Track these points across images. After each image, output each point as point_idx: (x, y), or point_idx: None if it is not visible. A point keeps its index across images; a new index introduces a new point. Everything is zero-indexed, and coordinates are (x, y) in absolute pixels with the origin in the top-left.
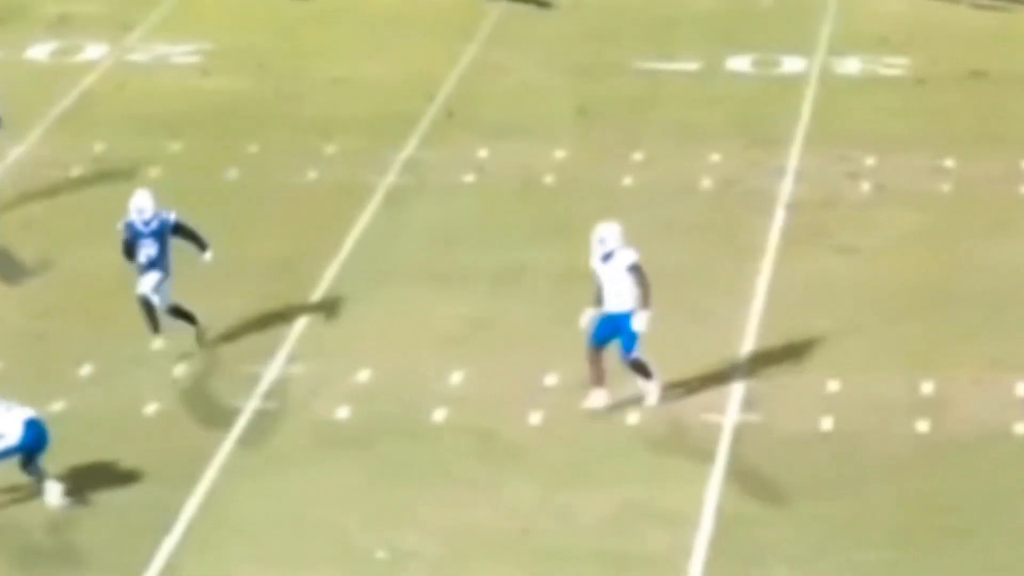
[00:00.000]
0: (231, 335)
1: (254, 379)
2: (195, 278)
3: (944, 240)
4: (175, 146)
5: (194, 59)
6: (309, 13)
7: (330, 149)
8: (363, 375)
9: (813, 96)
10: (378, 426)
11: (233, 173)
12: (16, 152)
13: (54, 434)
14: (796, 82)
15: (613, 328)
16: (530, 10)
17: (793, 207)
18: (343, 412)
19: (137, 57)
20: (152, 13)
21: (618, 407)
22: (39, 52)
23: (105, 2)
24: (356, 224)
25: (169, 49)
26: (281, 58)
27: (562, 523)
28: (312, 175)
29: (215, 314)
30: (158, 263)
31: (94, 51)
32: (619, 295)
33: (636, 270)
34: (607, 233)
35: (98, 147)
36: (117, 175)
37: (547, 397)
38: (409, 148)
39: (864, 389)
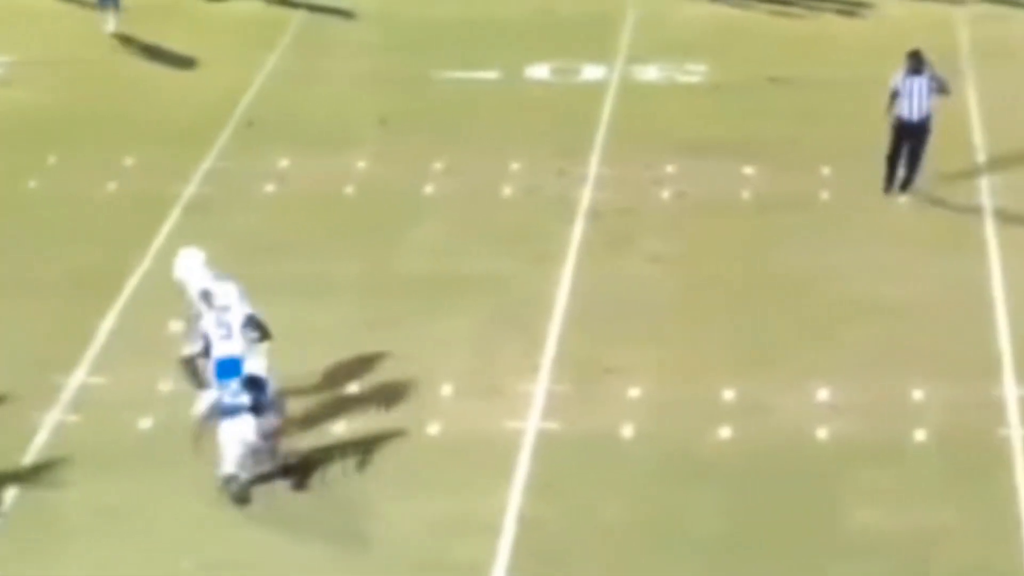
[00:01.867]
0: (32, 346)
1: (56, 389)
2: None
3: (746, 247)
4: None
5: None
6: None
7: (129, 161)
8: (165, 385)
9: (613, 103)
10: (180, 436)
11: (33, 184)
12: None
13: None
14: (596, 89)
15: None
16: (332, 20)
17: (595, 215)
18: (146, 423)
19: None
20: None
21: (419, 418)
22: None
23: None
24: (157, 235)
25: None
26: (81, 70)
27: (369, 536)
28: (112, 187)
29: (15, 324)
30: None
31: None
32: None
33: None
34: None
35: None
36: None
37: (350, 408)
38: (209, 159)
39: (665, 396)
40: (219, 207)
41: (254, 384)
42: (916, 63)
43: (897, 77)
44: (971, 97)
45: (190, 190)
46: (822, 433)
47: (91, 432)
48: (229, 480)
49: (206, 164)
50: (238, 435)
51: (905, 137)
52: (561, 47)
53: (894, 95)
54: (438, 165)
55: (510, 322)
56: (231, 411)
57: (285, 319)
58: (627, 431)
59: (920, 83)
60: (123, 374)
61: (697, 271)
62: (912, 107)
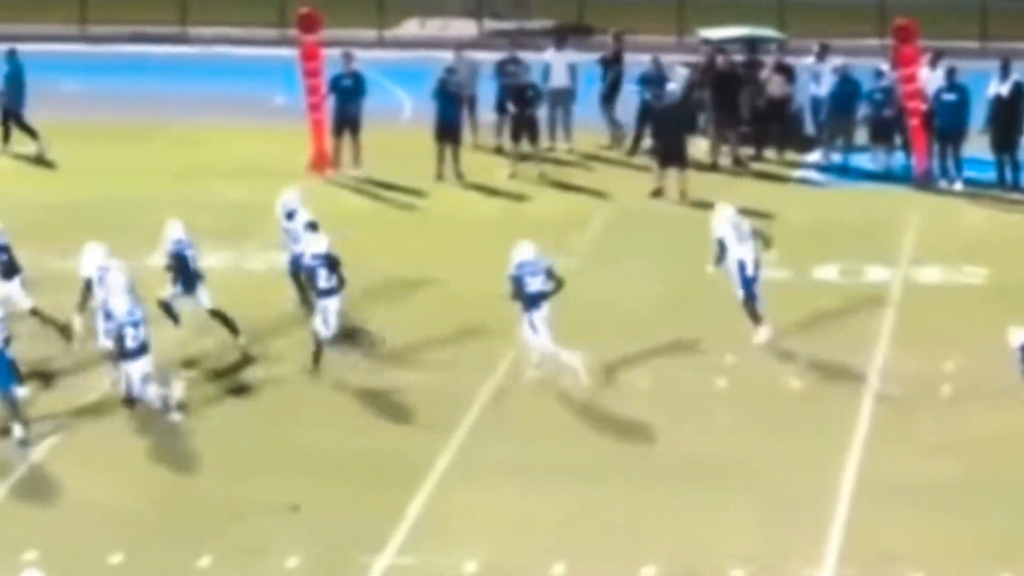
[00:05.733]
0: (338, 526)
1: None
2: None
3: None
4: None
5: None
6: None
7: None
8: (470, 566)
9: (896, 302)
10: None
11: None
12: None
13: None
14: (880, 289)
15: None
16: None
17: (881, 402)
18: None
19: None
20: None
21: None
22: None
23: None
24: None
25: None
26: None
27: None
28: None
29: (321, 504)
30: None
31: None
32: None
33: None
34: None
35: None
36: None
37: None
38: None
39: None
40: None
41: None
42: None
43: None
44: None
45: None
46: None
47: None
48: None
49: None
50: None
51: None
52: (847, 249)
53: None
54: (729, 359)
55: (795, 506)
56: None
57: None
58: None
59: None
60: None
61: (976, 461)
62: None
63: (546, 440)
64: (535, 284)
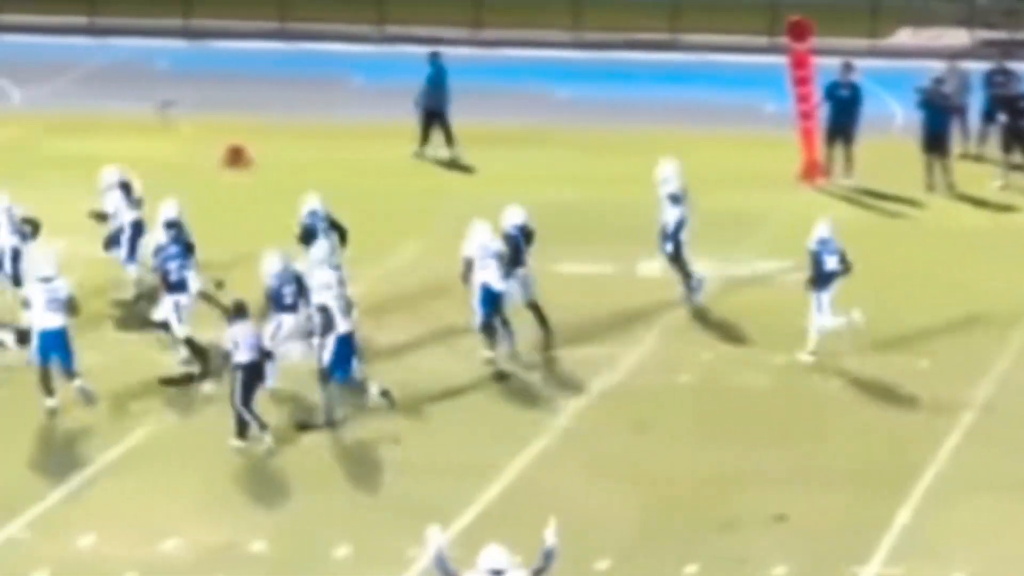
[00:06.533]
0: (825, 537)
1: None
2: None
3: None
4: None
5: None
6: None
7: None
8: None
9: None
10: None
11: None
12: None
13: None
14: None
15: None
16: None
17: None
18: None
19: None
20: None
21: None
22: None
23: None
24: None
25: None
26: None
27: None
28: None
29: (808, 514)
30: None
31: None
32: None
33: None
34: None
35: None
36: None
37: None
38: None
39: None
40: None
41: None
42: None
43: None
44: None
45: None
46: None
47: None
48: None
49: None
50: None
51: None
52: None
53: None
54: None
55: None
56: None
57: None
58: None
59: None
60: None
61: None
62: None
63: None
64: (831, 263)
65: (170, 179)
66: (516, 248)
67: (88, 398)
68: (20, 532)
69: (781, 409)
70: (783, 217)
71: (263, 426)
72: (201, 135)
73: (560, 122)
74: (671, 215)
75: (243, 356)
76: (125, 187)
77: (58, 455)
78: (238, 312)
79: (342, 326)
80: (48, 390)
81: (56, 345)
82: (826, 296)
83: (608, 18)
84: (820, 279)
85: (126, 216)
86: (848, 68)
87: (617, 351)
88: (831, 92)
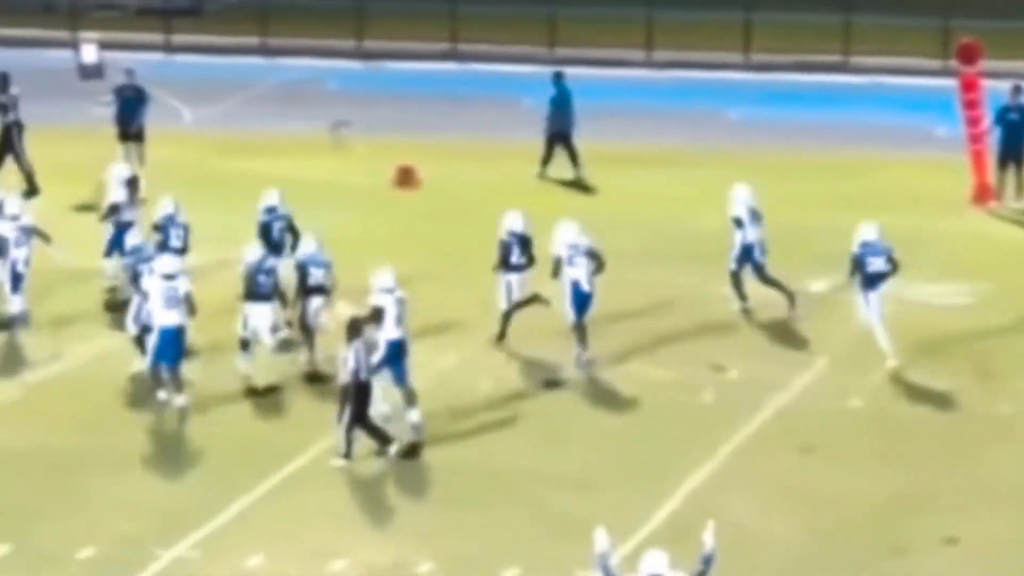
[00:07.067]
0: None
1: None
2: None
3: None
4: None
5: None
6: None
7: None
8: None
9: None
10: None
11: None
12: None
13: None
14: None
15: None
16: None
17: None
18: None
19: None
20: None
21: None
22: None
23: None
24: None
25: None
26: None
27: None
28: None
29: None
30: None
31: None
32: None
33: None
34: None
35: None
36: None
37: None
38: None
39: None
40: None
41: None
42: None
43: None
44: None
45: None
46: None
47: None
48: None
49: None
50: None
51: None
52: None
53: None
54: None
55: None
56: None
57: None
58: None
59: None
60: None
61: None
62: None
63: None
64: (876, 264)
65: (341, 198)
66: (508, 253)
67: (184, 415)
68: (189, 551)
69: (949, 432)
70: (954, 240)
71: (386, 440)
72: (371, 155)
73: (733, 143)
74: (737, 237)
75: (359, 374)
76: (131, 184)
77: (225, 474)
78: (356, 330)
79: (393, 332)
80: (163, 384)
81: (173, 342)
82: (874, 296)
83: (780, 40)
84: (866, 280)
85: (124, 214)
86: (1018, 91)
87: (788, 372)
88: (1001, 116)
